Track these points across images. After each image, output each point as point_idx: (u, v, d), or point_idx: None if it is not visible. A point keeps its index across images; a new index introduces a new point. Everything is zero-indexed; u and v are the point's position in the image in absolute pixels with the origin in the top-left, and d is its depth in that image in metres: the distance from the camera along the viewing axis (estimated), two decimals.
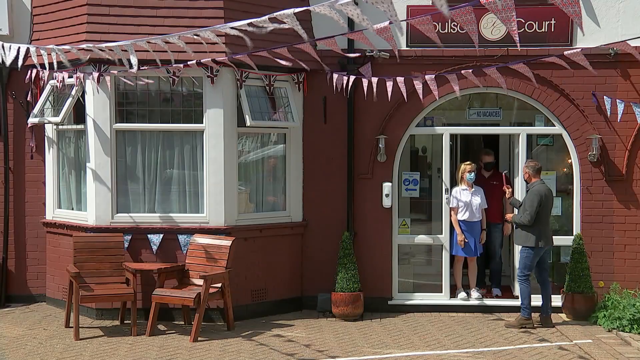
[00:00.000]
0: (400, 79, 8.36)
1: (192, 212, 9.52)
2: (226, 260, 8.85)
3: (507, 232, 10.38)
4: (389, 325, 9.35)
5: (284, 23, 5.16)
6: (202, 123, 9.40)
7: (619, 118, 9.33)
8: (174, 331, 8.92)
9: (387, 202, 9.97)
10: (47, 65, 7.36)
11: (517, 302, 9.47)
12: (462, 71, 7.78)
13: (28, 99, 10.06)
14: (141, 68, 7.84)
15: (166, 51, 6.69)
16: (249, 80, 9.50)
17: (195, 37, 6.07)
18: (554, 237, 9.50)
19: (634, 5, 9.78)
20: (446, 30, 9.76)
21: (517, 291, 9.61)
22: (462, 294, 10.11)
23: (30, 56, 7.50)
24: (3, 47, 7.68)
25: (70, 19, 9.46)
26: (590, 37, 9.66)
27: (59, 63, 7.14)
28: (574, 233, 9.86)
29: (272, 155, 10.15)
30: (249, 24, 5.49)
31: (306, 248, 10.15)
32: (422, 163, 11.25)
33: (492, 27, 9.74)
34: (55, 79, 8.96)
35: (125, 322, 9.14)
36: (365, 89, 8.73)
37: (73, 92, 9.48)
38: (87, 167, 9.51)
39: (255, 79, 9.53)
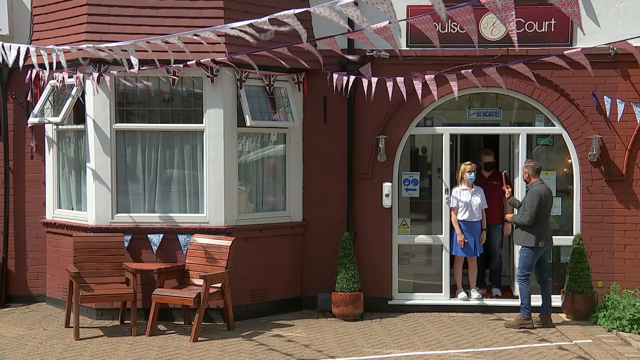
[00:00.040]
0: (400, 79, 8.36)
1: (192, 212, 9.52)
2: (226, 260, 8.85)
3: (507, 232, 10.38)
4: (389, 325, 9.35)
5: (284, 24, 5.16)
6: (202, 123, 9.40)
7: (619, 118, 9.32)
8: (174, 331, 8.92)
9: (387, 202, 9.97)
10: (47, 66, 7.36)
11: (517, 302, 9.48)
12: (462, 71, 7.78)
13: (28, 99, 10.06)
14: (141, 68, 7.84)
15: (166, 51, 6.70)
16: (249, 80, 9.50)
17: (195, 37, 6.07)
18: (554, 237, 9.50)
19: (634, 5, 9.78)
20: (446, 30, 9.76)
21: (517, 291, 9.61)
22: (462, 294, 10.11)
23: (30, 56, 7.51)
24: (3, 47, 7.69)
25: (70, 19, 9.46)
26: (590, 37, 9.66)
27: (59, 63, 7.13)
28: (574, 233, 9.86)
29: (272, 155, 10.16)
30: (249, 25, 5.49)
31: (306, 248, 10.15)
32: (422, 163, 11.25)
33: (492, 27, 9.74)
34: (55, 79, 8.96)
35: (125, 322, 9.14)
36: (365, 89, 8.73)
37: (73, 92, 9.48)
38: (87, 167, 9.51)
39: (255, 79, 9.53)
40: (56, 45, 7.65)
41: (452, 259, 10.20)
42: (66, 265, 9.25)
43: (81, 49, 7.10)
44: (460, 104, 10.23)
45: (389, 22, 5.31)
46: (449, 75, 7.84)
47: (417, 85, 8.39)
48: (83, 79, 9.02)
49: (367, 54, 9.73)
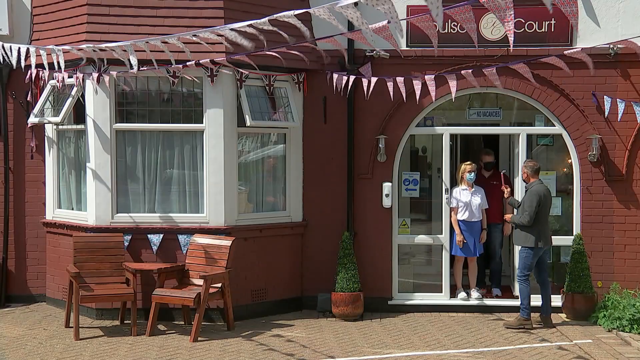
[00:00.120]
0: (400, 79, 8.36)
1: (192, 212, 9.52)
2: (226, 260, 8.85)
3: (507, 232, 10.38)
4: (389, 325, 9.35)
5: (284, 25, 5.17)
6: (202, 123, 9.40)
7: (619, 118, 9.32)
8: (174, 331, 8.92)
9: (387, 202, 9.97)
10: (46, 66, 7.36)
11: (517, 302, 9.47)
12: (462, 71, 7.77)
13: (28, 99, 10.06)
14: (141, 69, 7.84)
15: (165, 51, 6.69)
16: (249, 80, 9.50)
17: (194, 37, 6.07)
18: (554, 237, 9.50)
19: (634, 5, 9.78)
20: (446, 30, 9.76)
21: (517, 291, 9.61)
22: (462, 294, 10.11)
23: (30, 56, 7.51)
24: (4, 47, 7.69)
25: (70, 19, 9.46)
26: (590, 37, 9.67)
27: (59, 63, 7.13)
28: (574, 233, 9.86)
29: (272, 155, 10.15)
30: (249, 26, 5.49)
31: (306, 248, 10.15)
32: (422, 163, 11.25)
33: (492, 27, 9.74)
34: (55, 79, 8.96)
35: (125, 322, 9.14)
36: (365, 89, 8.73)
37: (73, 92, 9.48)
38: (87, 167, 9.51)
39: (255, 79, 9.53)
40: (56, 45, 7.65)
41: (452, 259, 10.20)
42: (66, 265, 9.25)
43: (81, 49, 7.10)
44: (460, 104, 10.23)
45: (388, 22, 5.31)
46: (449, 75, 7.84)
47: (417, 85, 8.39)
48: (83, 79, 9.03)
49: (367, 54, 9.73)
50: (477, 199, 9.98)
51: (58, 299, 9.94)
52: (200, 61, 7.81)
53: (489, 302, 10.10)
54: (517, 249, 9.70)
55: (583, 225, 9.88)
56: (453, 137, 10.47)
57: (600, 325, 9.15)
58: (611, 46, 9.34)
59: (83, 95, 9.51)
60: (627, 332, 8.75)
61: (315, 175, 10.09)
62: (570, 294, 9.53)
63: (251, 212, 9.91)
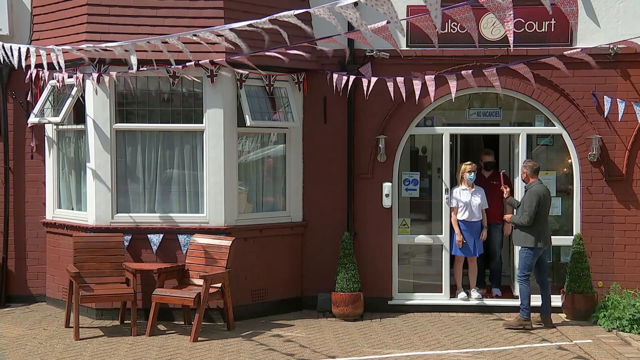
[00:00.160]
0: (400, 79, 8.36)
1: (192, 212, 9.52)
2: (226, 260, 8.85)
3: (507, 232, 10.37)
4: (389, 325, 9.35)
5: (284, 25, 5.17)
6: (202, 123, 9.40)
7: (619, 117, 9.32)
8: (174, 331, 8.92)
9: (387, 202, 9.97)
10: (45, 66, 7.36)
11: (517, 302, 9.47)
12: (462, 72, 7.77)
13: (28, 99, 10.06)
14: (141, 69, 7.84)
15: (164, 51, 6.68)
16: (249, 80, 9.50)
17: (194, 37, 6.07)
18: (554, 237, 9.51)
19: (634, 5, 9.78)
20: (446, 30, 9.76)
21: (517, 291, 9.60)
22: (462, 294, 10.11)
23: (30, 56, 7.51)
24: (4, 47, 7.69)
25: (70, 19, 9.46)
26: (590, 37, 9.67)
27: (59, 63, 7.13)
28: (574, 233, 9.86)
29: (272, 155, 10.16)
30: (249, 25, 5.49)
31: (306, 248, 10.15)
32: (422, 163, 11.25)
33: (492, 27, 9.74)
34: (55, 79, 8.96)
35: (125, 322, 9.14)
36: (365, 89, 8.73)
37: (73, 92, 9.48)
38: (87, 167, 9.51)
39: (255, 79, 9.53)
40: (56, 45, 7.65)
41: (452, 259, 10.20)
42: (66, 265, 9.25)
43: (81, 49, 7.09)
44: (460, 104, 10.23)
45: (387, 22, 5.31)
46: (449, 75, 7.84)
47: (417, 86, 8.39)
48: (83, 79, 9.03)
49: (367, 54, 9.74)
50: (477, 199, 9.98)
51: (58, 299, 9.94)
52: (200, 62, 7.81)
53: (489, 302, 10.10)
54: (517, 249, 9.70)
55: (583, 225, 9.88)
56: (453, 137, 10.47)
57: (600, 325, 9.15)
58: (611, 46, 9.34)
59: (83, 96, 9.51)
60: (627, 332, 8.75)
61: (315, 175, 10.09)
62: (570, 294, 9.53)
63: (251, 212, 9.91)
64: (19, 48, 7.54)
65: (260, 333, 8.85)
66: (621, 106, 9.25)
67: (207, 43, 6.24)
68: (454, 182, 10.22)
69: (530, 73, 7.09)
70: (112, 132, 9.38)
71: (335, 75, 8.91)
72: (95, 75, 8.75)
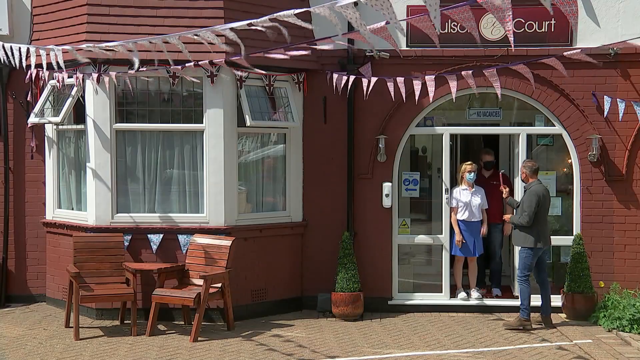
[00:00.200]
0: (400, 79, 8.36)
1: (192, 212, 9.52)
2: (226, 260, 8.85)
3: (507, 232, 10.37)
4: (389, 325, 9.35)
5: (285, 25, 5.17)
6: (202, 123, 9.40)
7: (620, 117, 9.33)
8: (174, 331, 8.92)
9: (387, 202, 9.97)
10: (45, 66, 7.36)
11: (517, 302, 9.46)
12: (463, 72, 7.77)
13: (28, 99, 10.06)
14: (141, 69, 7.83)
15: (163, 51, 6.68)
16: (249, 80, 9.50)
17: (195, 37, 6.07)
18: (554, 237, 9.51)
19: (634, 5, 9.78)
20: (446, 30, 9.76)
21: (517, 291, 9.60)
22: (462, 294, 10.11)
23: (30, 56, 7.51)
24: (4, 47, 7.69)
25: (70, 19, 9.46)
26: (590, 37, 9.67)
27: (58, 63, 7.13)
28: (574, 233, 9.86)
29: (272, 155, 10.15)
30: (249, 24, 5.49)
31: (306, 248, 10.15)
32: (422, 163, 11.25)
33: (492, 27, 9.73)
34: (55, 79, 8.96)
35: (125, 322, 9.14)
36: (365, 89, 8.73)
37: (73, 92, 9.48)
38: (87, 167, 9.51)
39: (255, 79, 9.53)
40: (56, 45, 7.65)
41: (452, 259, 10.20)
42: (66, 265, 9.25)
43: (80, 49, 7.09)
44: (460, 104, 10.23)
45: (386, 23, 5.31)
46: (449, 75, 7.84)
47: (417, 86, 8.39)
48: (83, 79, 9.03)
49: (367, 54, 9.73)
50: (477, 199, 9.98)
51: (58, 299, 9.94)
52: (200, 62, 7.80)
53: (489, 302, 10.10)
54: (516, 249, 9.71)
55: (583, 225, 9.88)
56: (453, 137, 10.47)
57: (600, 325, 9.15)
58: (611, 47, 9.33)
59: (83, 96, 9.51)
60: (627, 332, 8.75)
61: (315, 175, 10.09)
62: (570, 294, 9.53)
63: (251, 212, 9.91)
64: (19, 48, 7.54)
65: (260, 333, 8.85)
66: (621, 106, 9.25)
67: (207, 43, 6.23)
68: (454, 182, 10.22)
69: (530, 73, 7.09)
70: (112, 132, 9.38)
71: (335, 75, 8.91)
72: (95, 75, 8.75)
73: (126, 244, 9.28)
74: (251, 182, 9.96)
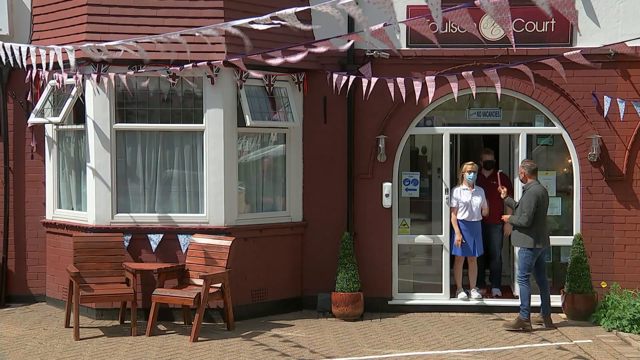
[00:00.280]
0: (400, 79, 8.35)
1: (192, 212, 9.52)
2: (226, 260, 8.85)
3: (507, 232, 10.37)
4: (389, 325, 9.35)
5: (286, 25, 5.16)
6: (202, 123, 9.40)
7: (621, 117, 9.33)
8: (174, 331, 8.92)
9: (387, 202, 9.97)
10: (44, 66, 7.35)
11: (517, 302, 9.46)
12: (463, 73, 7.76)
13: (28, 99, 10.06)
14: (140, 69, 7.83)
15: (160, 51, 6.67)
16: (249, 80, 9.50)
17: (196, 35, 6.06)
18: (554, 237, 9.51)
19: (634, 5, 9.78)
20: (446, 30, 9.77)
21: (517, 291, 9.61)
22: (462, 294, 10.11)
23: (30, 56, 7.50)
24: (4, 47, 7.69)
25: (70, 19, 9.46)
26: (590, 37, 9.67)
27: (57, 63, 7.12)
28: (574, 233, 9.86)
29: (272, 155, 10.16)
30: (251, 23, 5.49)
31: (306, 248, 10.15)
32: (422, 163, 11.25)
33: (492, 27, 9.73)
34: (55, 79, 8.96)
35: (125, 322, 9.14)
36: (364, 89, 8.72)
37: (73, 92, 9.48)
38: (87, 167, 9.51)
39: (255, 79, 9.52)
40: (56, 45, 7.65)
41: (452, 259, 10.20)
42: (66, 265, 9.25)
43: (80, 49, 7.09)
44: (460, 104, 10.23)
45: (384, 25, 5.31)
46: (449, 76, 7.83)
47: (417, 86, 8.38)
48: (83, 79, 9.02)
49: (367, 54, 9.73)
50: (478, 199, 9.99)
51: (58, 299, 9.94)
52: (199, 63, 7.79)
53: (489, 302, 10.10)
54: (516, 249, 9.70)
55: (583, 225, 9.88)
56: (453, 137, 10.48)
57: (600, 325, 9.15)
58: (611, 49, 9.33)
59: (83, 96, 9.51)
60: (627, 332, 8.75)
61: (315, 175, 10.09)
62: (570, 294, 9.53)
63: (251, 212, 9.91)
64: (19, 48, 7.54)
65: (260, 333, 8.85)
66: (621, 106, 9.25)
67: (210, 43, 6.23)
68: (454, 182, 10.23)
69: (531, 73, 7.09)
70: (112, 132, 9.38)
71: (335, 75, 8.90)
72: (95, 75, 8.75)
73: (126, 244, 9.28)
74: (251, 182, 9.96)
